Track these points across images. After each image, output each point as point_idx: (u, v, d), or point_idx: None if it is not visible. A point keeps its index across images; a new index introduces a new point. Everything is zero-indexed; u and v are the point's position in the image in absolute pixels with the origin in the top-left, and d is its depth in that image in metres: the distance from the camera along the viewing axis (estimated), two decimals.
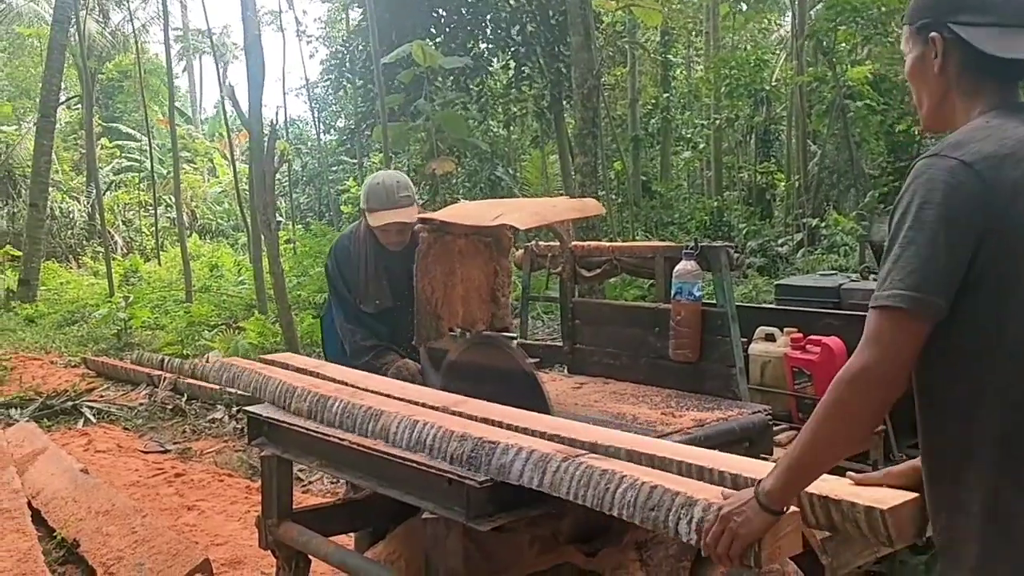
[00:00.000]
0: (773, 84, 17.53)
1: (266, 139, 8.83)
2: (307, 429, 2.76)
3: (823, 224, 13.51)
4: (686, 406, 3.18)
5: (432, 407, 2.62)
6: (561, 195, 15.49)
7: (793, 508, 1.66)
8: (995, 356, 1.50)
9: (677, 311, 3.26)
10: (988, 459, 1.52)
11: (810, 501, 1.71)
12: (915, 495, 1.67)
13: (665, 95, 20.05)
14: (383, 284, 3.61)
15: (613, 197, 17.16)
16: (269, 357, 3.40)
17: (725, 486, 1.86)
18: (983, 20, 1.61)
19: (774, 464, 1.73)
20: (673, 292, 3.26)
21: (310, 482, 5.47)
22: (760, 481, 1.65)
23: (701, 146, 20.39)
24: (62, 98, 18.35)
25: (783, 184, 16.99)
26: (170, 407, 7.78)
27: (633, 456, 2.11)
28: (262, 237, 9.62)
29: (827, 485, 1.74)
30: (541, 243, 4.29)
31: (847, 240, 12.73)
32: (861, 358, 1.50)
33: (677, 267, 3.24)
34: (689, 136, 20.73)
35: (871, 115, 13.66)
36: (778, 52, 21.10)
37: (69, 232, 22.37)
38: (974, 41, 1.60)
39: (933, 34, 1.65)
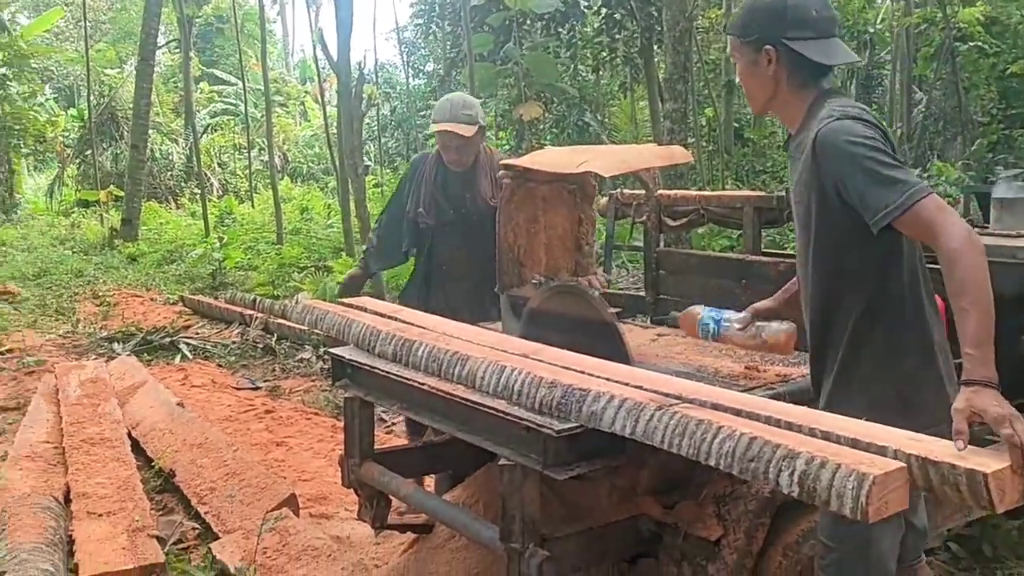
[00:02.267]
0: (878, 26, 16.71)
1: (353, 84, 8.88)
2: (389, 372, 2.80)
3: (926, 174, 12.90)
4: (770, 360, 3.10)
5: (511, 354, 2.62)
6: (649, 142, 15.20)
7: (900, 463, 1.65)
8: None
9: (732, 340, 2.95)
10: None
11: (908, 461, 1.69)
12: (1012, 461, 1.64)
13: None
14: (435, 200, 3.81)
15: (703, 144, 16.74)
16: (346, 300, 3.44)
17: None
18: (805, 34, 2.15)
19: (969, 355, 1.83)
20: (711, 334, 2.91)
21: (392, 423, 5.58)
22: (970, 375, 1.80)
23: None
24: (161, 42, 18.79)
25: None
26: (261, 346, 8.03)
27: (718, 410, 2.09)
28: (350, 181, 9.73)
29: (925, 446, 1.72)
30: (626, 191, 4.21)
31: (951, 191, 12.14)
32: (955, 228, 1.87)
33: (689, 313, 2.94)
34: None
35: (982, 58, 12.86)
36: None
37: (168, 174, 23.09)
38: (805, 52, 2.14)
39: (767, 47, 2.17)
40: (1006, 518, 3.47)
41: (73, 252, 14.94)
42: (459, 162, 3.77)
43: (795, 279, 2.48)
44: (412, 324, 3.02)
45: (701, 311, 2.71)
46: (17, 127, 19.81)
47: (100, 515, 3.84)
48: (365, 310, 3.28)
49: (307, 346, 7.71)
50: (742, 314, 2.62)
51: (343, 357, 3.06)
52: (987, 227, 4.02)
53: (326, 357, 7.26)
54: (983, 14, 12.83)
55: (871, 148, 1.98)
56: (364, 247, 4.02)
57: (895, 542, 2.20)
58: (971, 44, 12.64)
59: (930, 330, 2.16)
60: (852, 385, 2.17)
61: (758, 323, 2.59)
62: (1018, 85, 13.01)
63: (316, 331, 6.91)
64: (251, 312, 8.92)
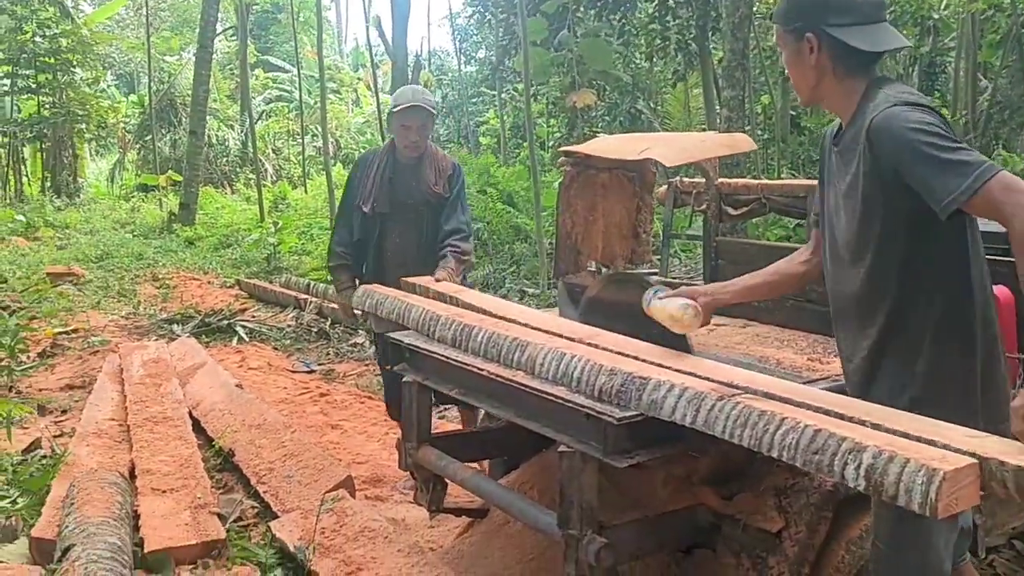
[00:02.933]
0: (943, 12, 16.27)
1: (410, 70, 8.91)
2: (447, 357, 2.82)
3: None
4: (833, 352, 3.05)
5: (569, 339, 2.61)
6: (703, 130, 15.01)
7: (972, 459, 1.63)
8: None
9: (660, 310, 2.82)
10: None
11: None
12: None
13: None
14: (385, 190, 4.09)
15: (759, 132, 16.48)
16: (411, 281, 3.45)
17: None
18: (847, 20, 2.08)
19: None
20: (647, 303, 2.85)
21: (447, 408, 5.62)
22: None
23: None
24: (218, 29, 19.06)
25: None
26: (315, 330, 8.14)
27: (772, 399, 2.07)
28: None
29: (976, 441, 1.70)
30: (685, 179, 4.17)
31: None
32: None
33: (648, 299, 2.88)
34: None
35: None
36: None
37: (224, 159, 23.46)
38: (845, 39, 2.07)
39: (809, 34, 2.10)
40: None
41: (133, 235, 15.28)
42: (416, 145, 4.08)
43: (752, 274, 2.48)
44: (474, 306, 3.04)
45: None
46: (81, 112, 20.29)
47: (164, 492, 3.94)
48: (424, 292, 3.31)
49: (360, 331, 7.79)
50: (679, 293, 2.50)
51: (401, 341, 3.09)
52: None
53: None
54: None
55: (929, 133, 1.91)
56: (334, 263, 4.24)
57: (950, 542, 2.16)
58: None
59: (996, 325, 2.12)
60: (943, 385, 2.06)
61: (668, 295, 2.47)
62: None
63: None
64: (305, 296, 9.04)
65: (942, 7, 16.29)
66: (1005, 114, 14.61)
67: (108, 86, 24.50)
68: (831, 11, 2.08)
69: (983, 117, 14.48)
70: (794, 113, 18.36)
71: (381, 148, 4.35)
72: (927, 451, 1.70)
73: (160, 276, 11.46)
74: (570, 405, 2.33)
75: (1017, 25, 12.51)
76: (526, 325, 2.76)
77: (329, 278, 4.47)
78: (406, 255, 4.08)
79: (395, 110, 4.06)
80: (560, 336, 2.63)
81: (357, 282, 4.13)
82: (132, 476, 4.18)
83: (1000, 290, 3.26)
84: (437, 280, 3.63)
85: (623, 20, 15.65)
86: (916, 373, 2.07)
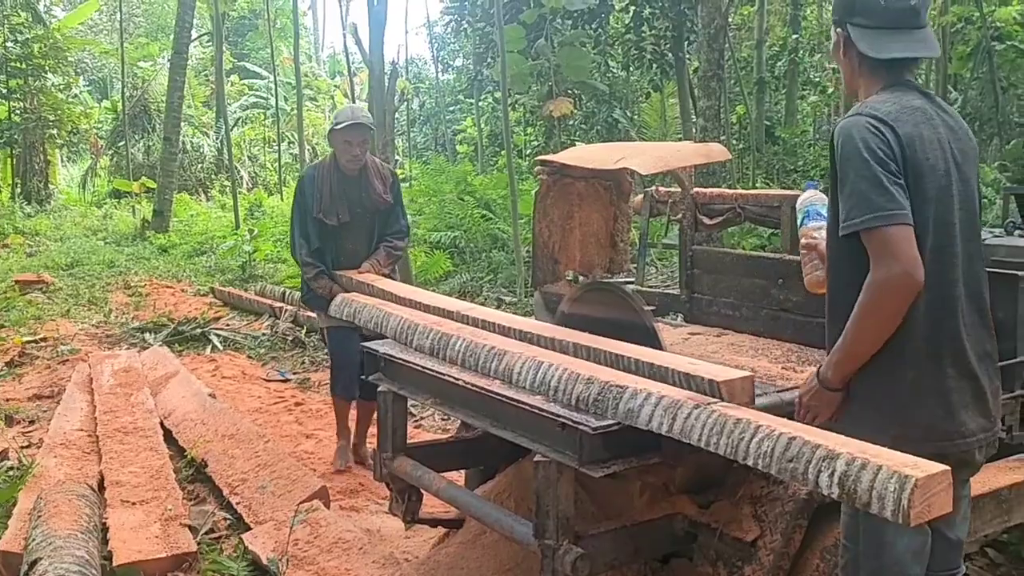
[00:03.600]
0: None
1: (387, 78, 8.90)
2: (423, 367, 2.80)
3: None
4: (808, 361, 3.07)
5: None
6: (679, 139, 15.09)
7: (944, 466, 1.65)
8: None
9: (808, 235, 2.92)
10: None
11: (677, 380, 1.96)
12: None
13: (794, 36, 19.14)
14: (342, 202, 4.40)
15: (734, 142, 16.62)
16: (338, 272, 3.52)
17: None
18: (868, 23, 2.11)
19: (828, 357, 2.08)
20: (800, 220, 2.96)
21: (422, 418, 5.59)
22: (819, 369, 2.08)
23: (830, 90, 19.45)
24: (193, 35, 18.95)
25: None
26: (290, 338, 8.07)
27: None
28: None
29: (697, 368, 2.00)
30: (661, 188, 4.19)
31: (987, 192, 11.97)
32: (885, 270, 1.91)
33: (802, 195, 2.95)
34: (817, 79, 19.78)
35: (1020, 58, 12.69)
36: None
37: (199, 166, 23.29)
38: (856, 39, 2.12)
39: (838, 29, 2.19)
40: None
41: (105, 243, 15.12)
42: (358, 158, 4.41)
43: None
44: (387, 292, 3.16)
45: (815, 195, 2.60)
46: (53, 118, 20.06)
47: (133, 503, 3.88)
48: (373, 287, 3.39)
49: None
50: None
51: (377, 351, 3.07)
52: None
53: None
54: (1020, 13, 12.65)
55: (861, 157, 1.96)
56: (312, 273, 4.42)
57: (918, 548, 2.14)
58: (1008, 43, 12.45)
59: (942, 341, 2.05)
60: (853, 384, 2.08)
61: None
62: None
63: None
64: (280, 304, 8.97)
65: None
66: (975, 125, 14.80)
67: (81, 91, 24.24)
68: (857, 11, 2.13)
69: None
70: (768, 123, 18.53)
71: (323, 163, 4.65)
72: (899, 458, 1.71)
73: (132, 284, 11.33)
74: (545, 415, 2.32)
75: (986, 38, 12.71)
76: (434, 308, 2.96)
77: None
78: (359, 257, 4.44)
79: (338, 128, 4.37)
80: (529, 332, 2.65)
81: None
82: (101, 488, 4.11)
83: None
84: (361, 272, 4.22)
85: (599, 30, 15.74)
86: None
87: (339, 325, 4.25)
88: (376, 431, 3.20)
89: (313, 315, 8.13)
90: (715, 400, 2.09)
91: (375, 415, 4.31)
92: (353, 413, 4.83)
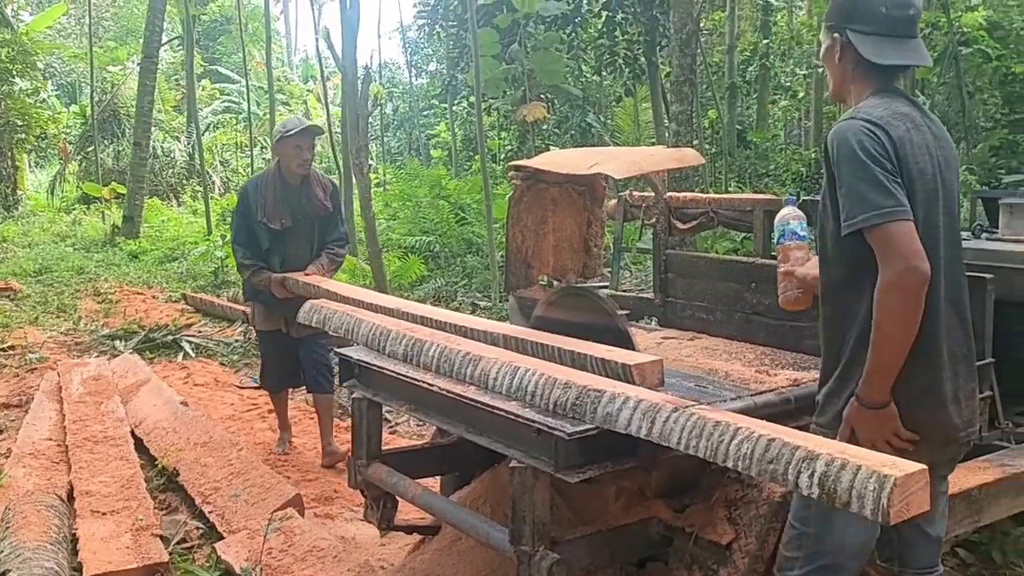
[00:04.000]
0: None
1: (360, 83, 8.86)
2: (397, 373, 2.78)
3: None
4: (781, 364, 3.09)
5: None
6: (652, 144, 15.16)
7: (922, 465, 1.67)
8: None
9: (785, 255, 2.96)
10: None
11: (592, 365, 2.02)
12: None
13: (764, 41, 19.31)
14: (285, 208, 4.72)
15: (707, 147, 16.72)
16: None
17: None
18: (868, 29, 2.15)
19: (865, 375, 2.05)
20: (776, 238, 3.01)
21: (396, 424, 5.56)
22: (856, 392, 2.06)
23: (800, 95, 19.64)
24: (163, 39, 18.74)
25: None
26: None
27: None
28: (355, 180, 9.72)
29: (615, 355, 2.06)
30: (635, 193, 4.20)
31: None
32: (894, 264, 1.95)
33: (780, 212, 2.99)
34: (788, 84, 19.96)
35: (986, 63, 12.87)
36: None
37: (170, 171, 23.03)
38: (858, 46, 2.15)
39: (835, 34, 2.21)
40: (1015, 523, 3.46)
41: (74, 249, 14.91)
42: (308, 163, 4.74)
43: None
44: (332, 293, 3.53)
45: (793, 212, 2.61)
46: (21, 123, 19.76)
47: (104, 514, 3.83)
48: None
49: None
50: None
51: (351, 357, 3.05)
52: (995, 232, 4.00)
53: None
54: (985, 19, 12.84)
55: (858, 158, 2.01)
56: (253, 269, 4.75)
57: (862, 541, 2.18)
58: (974, 48, 12.63)
59: (932, 343, 2.10)
60: (847, 384, 2.13)
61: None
62: (1021, 89, 13.01)
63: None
64: None
65: None
66: None
67: (49, 96, 23.91)
68: (857, 17, 2.17)
69: None
70: (740, 128, 18.68)
71: (265, 174, 4.97)
72: (877, 458, 1.73)
73: (102, 291, 11.18)
74: (521, 420, 2.32)
75: (953, 43, 12.89)
76: (375, 306, 3.14)
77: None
78: (303, 260, 4.75)
79: (289, 134, 4.66)
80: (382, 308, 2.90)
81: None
82: (71, 498, 4.06)
83: None
84: (307, 274, 4.60)
85: (573, 35, 15.77)
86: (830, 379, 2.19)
87: (271, 329, 4.90)
88: (351, 437, 3.18)
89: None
90: (693, 403, 2.10)
91: (332, 408, 5.06)
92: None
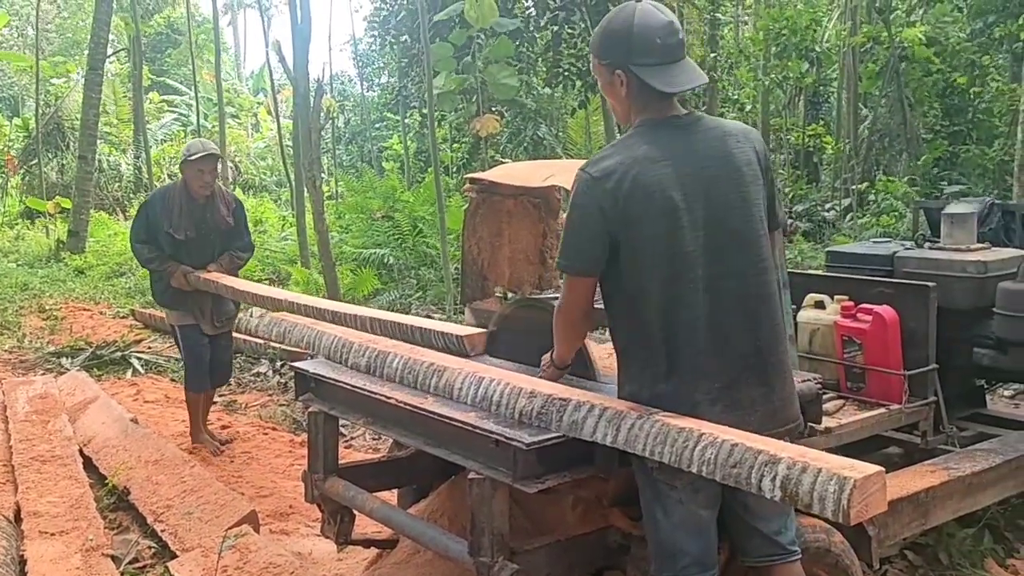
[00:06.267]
0: (825, 45, 17.09)
1: (312, 95, 8.82)
2: (354, 386, 2.78)
3: (872, 189, 13.22)
4: None
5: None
6: None
7: (878, 467, 1.72)
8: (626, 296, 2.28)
9: None
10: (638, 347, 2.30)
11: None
12: None
13: (712, 55, 19.63)
14: (189, 220, 5.10)
15: None
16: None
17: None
18: (651, 61, 2.24)
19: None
20: None
21: (352, 438, 5.53)
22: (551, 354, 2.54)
23: (747, 108, 20.00)
24: (109, 51, 18.45)
25: (831, 148, 16.62)
26: None
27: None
28: (307, 192, 9.66)
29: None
30: None
31: (897, 205, 12.45)
32: (560, 301, 2.39)
33: None
34: (736, 97, 20.32)
35: (926, 76, 13.24)
36: (830, 11, 20.53)
37: (117, 184, 22.60)
38: (647, 79, 2.24)
39: (618, 71, 2.28)
40: (960, 526, 3.56)
41: (18, 265, 14.56)
42: (209, 185, 5.10)
43: None
44: (233, 288, 4.25)
45: None
46: None
47: (52, 534, 3.75)
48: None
49: (263, 360, 7.61)
50: None
51: (307, 371, 3.03)
52: (937, 241, 4.12)
53: (283, 371, 7.18)
54: (924, 34, 13.23)
55: (569, 215, 2.29)
56: (157, 259, 5.18)
57: (690, 525, 2.25)
58: (915, 63, 12.99)
59: (677, 362, 2.20)
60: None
61: None
62: (960, 102, 13.41)
63: (274, 344, 6.85)
64: None
65: (824, 40, 17.11)
66: (885, 141, 15.40)
67: None
68: (635, 52, 2.24)
69: (864, 144, 15.24)
70: None
71: (172, 186, 5.40)
72: (837, 460, 1.78)
73: (47, 307, 10.92)
74: (479, 432, 2.33)
75: (894, 57, 13.25)
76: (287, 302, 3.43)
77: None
78: (204, 267, 5.14)
79: (192, 158, 5.04)
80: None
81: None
82: (18, 519, 3.96)
83: (884, 309, 3.44)
84: (208, 271, 5.06)
85: (521, 49, 15.86)
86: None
87: (188, 323, 5.25)
88: (307, 451, 3.16)
89: (239, 335, 8.02)
90: (657, 410, 2.12)
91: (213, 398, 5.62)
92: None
